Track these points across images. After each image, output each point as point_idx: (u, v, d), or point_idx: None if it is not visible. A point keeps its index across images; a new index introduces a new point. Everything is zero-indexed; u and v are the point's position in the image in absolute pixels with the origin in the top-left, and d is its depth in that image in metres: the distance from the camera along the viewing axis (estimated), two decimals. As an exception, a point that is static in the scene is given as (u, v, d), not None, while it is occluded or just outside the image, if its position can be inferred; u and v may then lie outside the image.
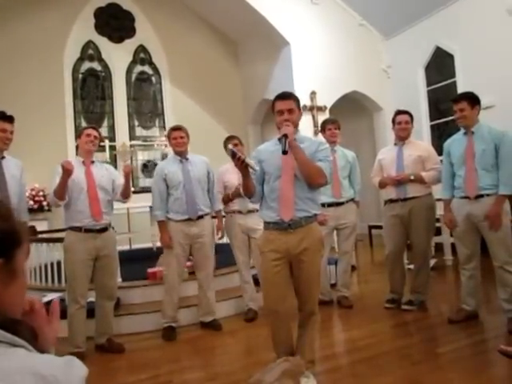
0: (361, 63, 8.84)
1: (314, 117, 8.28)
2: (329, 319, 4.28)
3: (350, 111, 9.52)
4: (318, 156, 2.71)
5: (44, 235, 5.81)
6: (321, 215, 4.55)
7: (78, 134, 3.81)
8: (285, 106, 2.75)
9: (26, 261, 0.89)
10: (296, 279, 2.78)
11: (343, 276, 4.71)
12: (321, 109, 8.33)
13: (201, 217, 4.09)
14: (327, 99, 8.44)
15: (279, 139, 2.71)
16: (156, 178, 4.12)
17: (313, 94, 8.30)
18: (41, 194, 7.39)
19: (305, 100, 8.20)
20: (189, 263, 4.55)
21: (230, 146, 2.46)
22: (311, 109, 8.28)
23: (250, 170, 2.61)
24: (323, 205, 4.59)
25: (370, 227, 8.54)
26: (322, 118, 7.19)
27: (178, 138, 4.09)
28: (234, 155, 2.53)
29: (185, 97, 9.65)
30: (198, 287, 4.22)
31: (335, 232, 4.74)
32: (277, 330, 2.80)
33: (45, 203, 7.32)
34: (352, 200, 4.66)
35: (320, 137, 5.09)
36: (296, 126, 2.78)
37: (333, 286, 4.95)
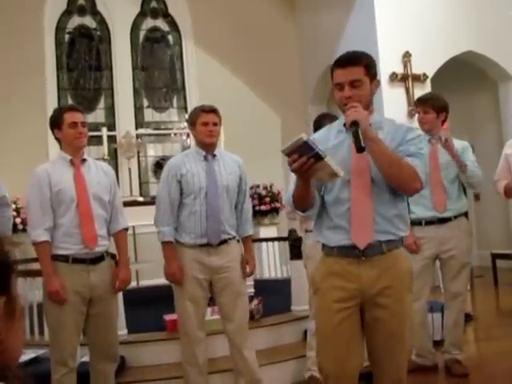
0: (480, 9, 8.74)
1: (408, 90, 8.26)
2: (432, 394, 4.29)
3: (463, 82, 9.44)
4: (409, 149, 2.70)
5: (19, 266, 6.04)
6: (409, 237, 4.48)
7: (55, 120, 3.84)
8: (345, 76, 2.71)
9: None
10: (371, 335, 2.77)
11: (453, 330, 4.68)
12: (418, 78, 8.31)
13: (224, 241, 4.12)
14: (428, 64, 8.40)
15: (347, 128, 2.66)
16: (167, 178, 4.09)
17: (406, 56, 8.29)
18: (13, 206, 7.55)
19: (395, 66, 8.20)
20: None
21: (305, 136, 2.42)
22: (404, 78, 8.27)
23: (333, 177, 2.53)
24: (419, 222, 4.59)
25: (494, 256, 8.40)
26: (419, 92, 7.14)
27: (211, 124, 4.07)
28: (309, 148, 2.36)
29: (216, 64, 9.82)
30: (229, 345, 4.23)
31: (437, 264, 4.75)
32: None
33: (18, 220, 7.37)
34: (464, 215, 4.63)
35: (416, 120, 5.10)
36: (368, 104, 2.76)
37: (437, 344, 4.95)
